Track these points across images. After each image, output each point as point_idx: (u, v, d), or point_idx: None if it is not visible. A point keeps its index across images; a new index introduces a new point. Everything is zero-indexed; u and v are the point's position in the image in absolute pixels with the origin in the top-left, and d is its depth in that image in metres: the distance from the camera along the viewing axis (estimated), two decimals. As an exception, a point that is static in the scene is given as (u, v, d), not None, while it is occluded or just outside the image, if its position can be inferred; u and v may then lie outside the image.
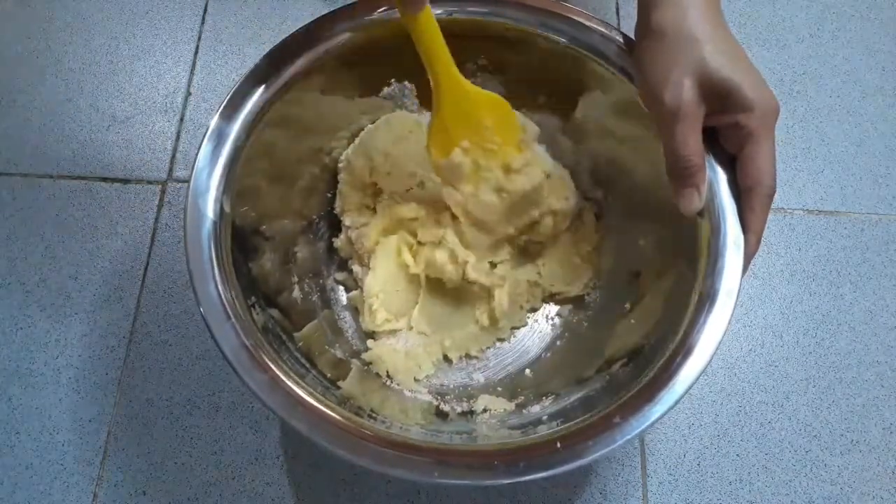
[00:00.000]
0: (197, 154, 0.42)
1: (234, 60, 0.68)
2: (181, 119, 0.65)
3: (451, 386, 0.52)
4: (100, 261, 0.59)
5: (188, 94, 0.66)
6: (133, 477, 0.52)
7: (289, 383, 0.38)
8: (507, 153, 0.49)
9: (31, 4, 0.71)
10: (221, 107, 0.44)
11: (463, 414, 0.48)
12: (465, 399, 0.50)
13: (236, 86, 0.44)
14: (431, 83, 0.44)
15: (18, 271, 0.59)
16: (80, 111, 0.66)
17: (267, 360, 0.39)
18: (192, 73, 0.67)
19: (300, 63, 0.46)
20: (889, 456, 0.53)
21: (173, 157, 0.64)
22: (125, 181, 0.63)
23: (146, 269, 0.59)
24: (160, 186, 0.62)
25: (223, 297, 0.40)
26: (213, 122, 0.43)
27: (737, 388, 0.55)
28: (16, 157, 0.63)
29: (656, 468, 0.53)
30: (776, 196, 0.61)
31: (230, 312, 0.39)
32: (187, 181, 0.42)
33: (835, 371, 0.56)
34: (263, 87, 0.45)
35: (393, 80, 0.52)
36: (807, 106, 0.66)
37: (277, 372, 0.39)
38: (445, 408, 0.49)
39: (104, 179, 0.63)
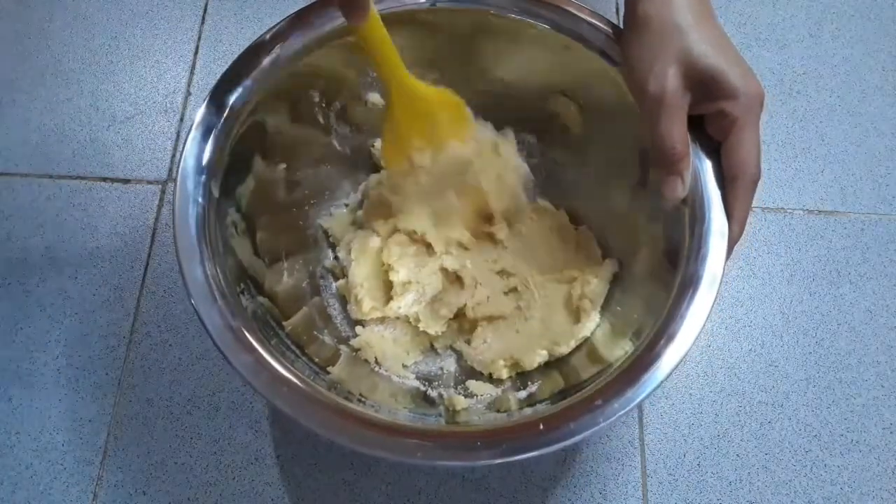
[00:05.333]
0: (186, 138, 0.43)
1: (234, 60, 0.68)
2: (181, 119, 0.65)
3: (439, 372, 0.52)
4: (100, 261, 0.59)
5: (188, 94, 0.66)
6: (133, 477, 0.52)
7: (273, 364, 0.38)
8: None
9: (30, 4, 0.71)
10: (210, 93, 0.44)
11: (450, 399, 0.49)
12: (451, 385, 0.50)
13: (224, 71, 0.45)
14: (384, 86, 0.45)
15: (18, 271, 0.59)
16: (80, 111, 0.66)
17: (252, 340, 0.39)
18: (192, 73, 0.67)
19: (285, 51, 0.46)
20: (889, 456, 0.53)
21: (173, 157, 0.64)
22: (125, 181, 0.63)
23: (146, 269, 0.59)
24: (160, 186, 0.62)
25: (210, 278, 0.39)
26: (202, 108, 0.43)
27: (737, 388, 0.55)
28: (16, 157, 0.63)
29: (656, 468, 0.53)
30: (776, 196, 0.62)
31: (217, 294, 0.39)
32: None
33: (835, 371, 0.56)
34: (252, 73, 0.45)
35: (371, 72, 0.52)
36: (807, 106, 0.66)
37: (263, 353, 0.38)
38: (433, 393, 0.49)
39: (104, 179, 0.63)
